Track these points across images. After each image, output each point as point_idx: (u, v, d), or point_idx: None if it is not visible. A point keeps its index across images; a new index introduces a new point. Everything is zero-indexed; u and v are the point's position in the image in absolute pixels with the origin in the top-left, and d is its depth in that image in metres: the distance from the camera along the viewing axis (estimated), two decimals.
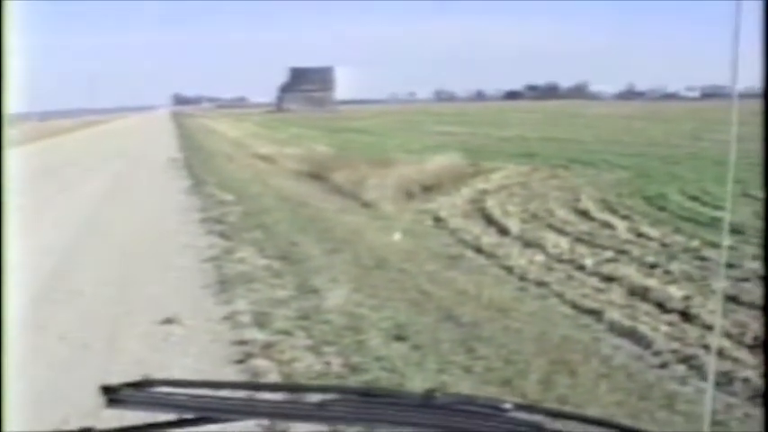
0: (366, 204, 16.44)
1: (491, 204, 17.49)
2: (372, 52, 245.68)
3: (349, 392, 1.45)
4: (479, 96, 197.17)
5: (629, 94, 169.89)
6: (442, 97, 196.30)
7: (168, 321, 6.30)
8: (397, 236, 11.90)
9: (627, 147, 34.90)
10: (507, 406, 1.24)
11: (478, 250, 12.52)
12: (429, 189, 19.80)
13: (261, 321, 6.27)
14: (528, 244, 13.14)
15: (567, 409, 4.91)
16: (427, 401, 1.29)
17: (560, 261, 11.89)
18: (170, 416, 1.31)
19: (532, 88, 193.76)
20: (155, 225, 11.56)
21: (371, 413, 1.32)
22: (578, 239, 13.46)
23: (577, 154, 30.45)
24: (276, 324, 6.21)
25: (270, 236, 9.86)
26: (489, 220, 15.80)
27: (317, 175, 21.59)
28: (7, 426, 2.69)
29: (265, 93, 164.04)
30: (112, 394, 1.38)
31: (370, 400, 1.37)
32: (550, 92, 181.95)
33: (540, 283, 10.29)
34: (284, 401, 1.40)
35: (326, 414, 1.32)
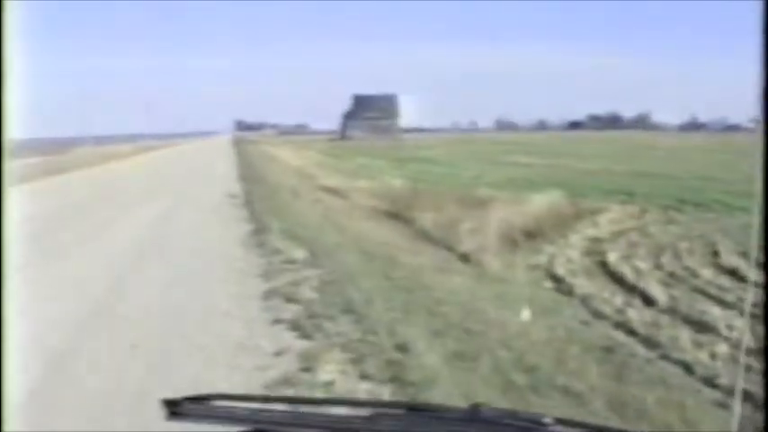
0: (464, 258, 13.44)
1: (614, 258, 14.34)
2: (432, 80, 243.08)
3: (397, 407, 1.59)
4: (541, 126, 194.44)
5: (692, 125, 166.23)
6: (504, 126, 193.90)
7: None
8: (525, 314, 8.88)
9: (728, 184, 31.08)
10: (548, 420, 1.33)
11: (631, 332, 9.46)
12: (531, 235, 16.71)
13: None
14: (689, 321, 10.02)
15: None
16: (472, 415, 1.36)
17: (749, 353, 8.71)
18: (228, 428, 1.35)
19: (595, 118, 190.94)
20: (199, 304, 8.16)
21: (419, 427, 1.40)
22: (753, 315, 10.20)
23: (680, 192, 27.00)
24: None
25: (364, 326, 6.76)
26: (620, 281, 12.68)
27: (396, 215, 18.66)
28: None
29: (326, 119, 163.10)
30: (174, 407, 1.50)
31: (418, 414, 1.48)
32: (613, 122, 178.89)
33: (748, 396, 7.13)
34: (336, 415, 1.50)
35: (376, 427, 1.39)
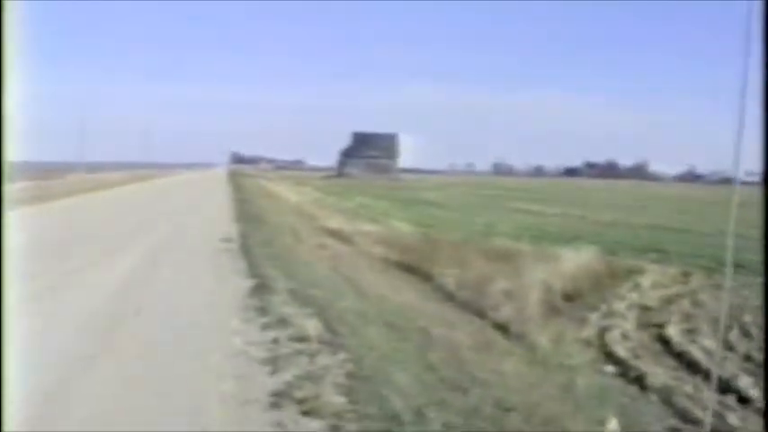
0: (503, 329, 11.28)
1: (674, 334, 12.19)
2: (430, 121, 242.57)
3: None
4: (538, 171, 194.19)
5: (689, 176, 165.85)
6: (501, 170, 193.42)
7: None
8: (612, 425, 6.83)
9: (754, 241, 28.91)
10: None
11: None
12: (569, 299, 14.59)
13: None
14: None
15: None
16: None
17: None
18: None
19: (591, 165, 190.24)
20: (176, 424, 5.27)
21: None
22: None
23: (712, 250, 24.75)
24: None
25: None
26: (693, 367, 10.50)
27: (412, 269, 16.52)
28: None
29: (322, 156, 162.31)
30: None
31: None
32: (609, 170, 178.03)
33: None
34: None
35: None
